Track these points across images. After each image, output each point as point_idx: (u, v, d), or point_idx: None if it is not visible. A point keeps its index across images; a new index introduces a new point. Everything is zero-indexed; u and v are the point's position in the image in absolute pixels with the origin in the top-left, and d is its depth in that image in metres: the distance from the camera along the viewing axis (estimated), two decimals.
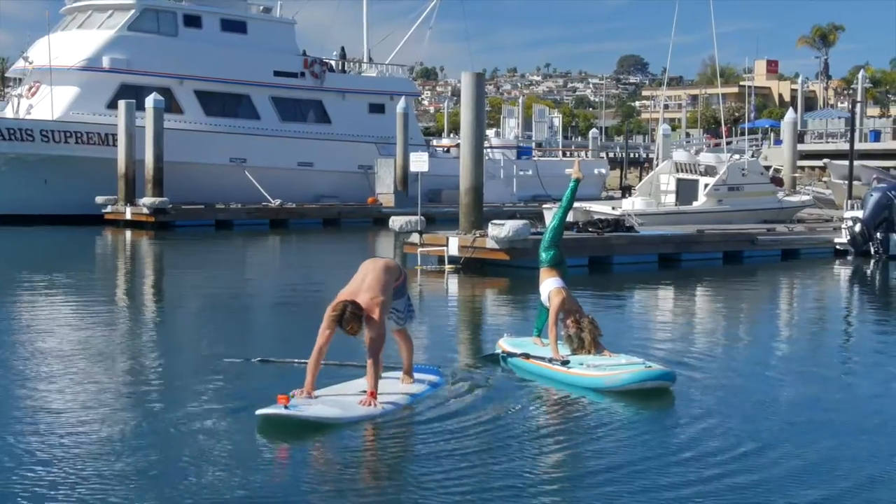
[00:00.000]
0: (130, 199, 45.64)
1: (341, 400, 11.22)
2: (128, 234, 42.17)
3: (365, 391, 11.39)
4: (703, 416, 11.47)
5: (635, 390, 12.33)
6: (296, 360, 13.35)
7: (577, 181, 14.89)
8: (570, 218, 30.87)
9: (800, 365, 15.00)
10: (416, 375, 12.30)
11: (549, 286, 13.92)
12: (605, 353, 13.41)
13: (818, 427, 11.08)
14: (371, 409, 10.97)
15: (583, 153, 74.95)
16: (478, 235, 28.15)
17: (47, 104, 48.18)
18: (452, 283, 25.71)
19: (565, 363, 13.09)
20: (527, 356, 13.71)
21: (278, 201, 49.09)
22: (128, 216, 45.07)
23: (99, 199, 45.87)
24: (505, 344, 14.42)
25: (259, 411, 10.65)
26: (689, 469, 9.49)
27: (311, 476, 9.42)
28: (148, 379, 13.31)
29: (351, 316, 10.83)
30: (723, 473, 9.34)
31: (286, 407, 10.55)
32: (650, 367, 12.74)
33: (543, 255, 14.27)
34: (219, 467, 9.36)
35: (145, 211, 44.36)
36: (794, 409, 11.95)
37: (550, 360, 13.29)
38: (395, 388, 11.75)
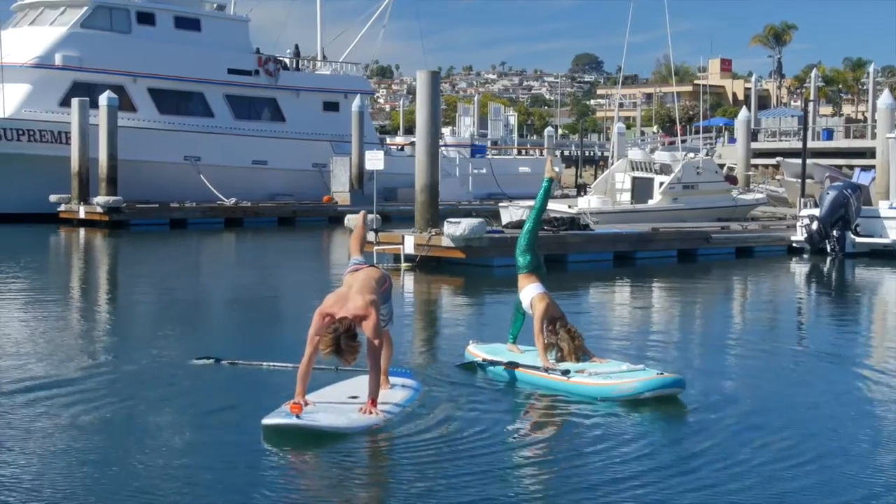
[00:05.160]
0: (84, 197, 45.30)
1: (342, 408, 10.84)
2: (82, 233, 41.84)
3: (354, 396, 11.17)
4: (698, 422, 11.25)
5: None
6: (264, 363, 13.25)
7: (551, 180, 14.25)
8: (524, 216, 31.05)
9: (786, 366, 14.91)
10: (391, 380, 11.92)
11: (532, 292, 13.34)
12: (595, 360, 12.93)
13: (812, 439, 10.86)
14: (375, 417, 10.63)
15: (537, 151, 75.07)
16: (433, 234, 28.12)
17: None
18: (408, 282, 25.66)
19: (565, 372, 12.46)
20: (515, 365, 13.09)
21: (233, 200, 48.84)
22: (82, 215, 44.73)
23: (53, 198, 45.52)
24: (477, 350, 13.87)
25: (266, 420, 10.26)
26: (704, 478, 9.30)
27: (312, 487, 9.17)
28: (118, 383, 12.84)
29: (347, 348, 10.40)
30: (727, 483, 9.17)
31: (298, 416, 10.19)
32: (662, 374, 12.20)
33: (521, 261, 13.63)
34: (213, 475, 9.14)
35: (99, 210, 44.02)
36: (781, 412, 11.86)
37: (547, 370, 12.67)
38: (382, 393, 11.20)
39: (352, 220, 32.51)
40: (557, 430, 11.12)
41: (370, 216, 31.32)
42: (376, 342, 10.72)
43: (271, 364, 13.15)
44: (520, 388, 12.81)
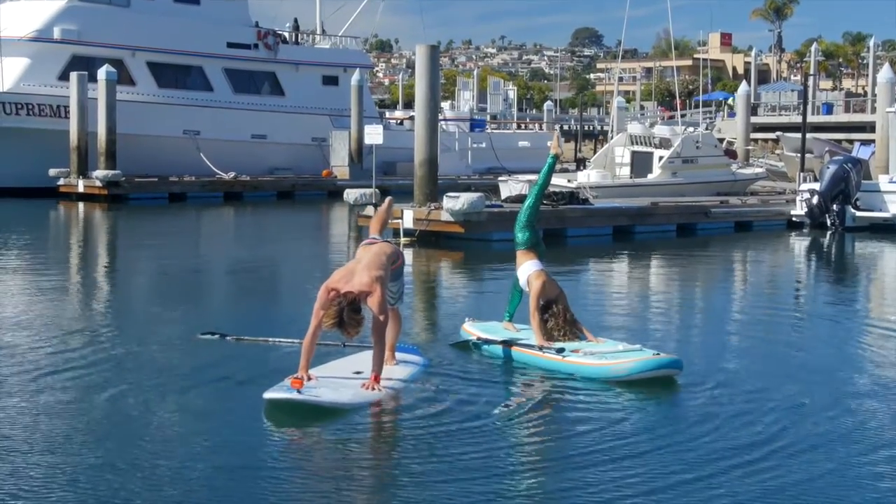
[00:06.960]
0: (83, 171, 45.19)
1: (345, 383, 10.86)
2: (81, 207, 41.77)
3: (358, 372, 11.20)
4: (695, 405, 11.13)
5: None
6: (270, 339, 13.27)
7: (556, 157, 13.99)
8: (523, 190, 31.05)
9: (787, 345, 14.84)
10: (397, 355, 11.94)
11: (529, 269, 13.16)
12: (591, 339, 12.78)
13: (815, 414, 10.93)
14: (377, 393, 10.63)
15: (536, 126, 74.94)
16: (433, 208, 28.11)
17: None
18: (407, 257, 25.63)
19: (560, 351, 12.29)
20: (510, 343, 12.93)
21: (232, 174, 48.77)
22: (80, 189, 44.62)
23: (52, 172, 45.40)
24: (473, 328, 13.69)
25: (267, 395, 10.28)
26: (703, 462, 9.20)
27: (317, 463, 9.15)
28: (122, 357, 12.88)
29: (350, 321, 10.42)
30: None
31: (299, 391, 10.19)
32: (658, 354, 12.07)
33: (519, 237, 13.38)
34: (213, 450, 9.16)
35: (98, 184, 43.92)
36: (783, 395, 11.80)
37: (541, 349, 12.51)
38: (386, 369, 11.20)
39: (351, 194, 32.52)
40: (550, 410, 11.02)
41: (368, 191, 31.41)
42: (381, 318, 10.72)
43: (276, 340, 13.15)
44: (514, 366, 12.70)
